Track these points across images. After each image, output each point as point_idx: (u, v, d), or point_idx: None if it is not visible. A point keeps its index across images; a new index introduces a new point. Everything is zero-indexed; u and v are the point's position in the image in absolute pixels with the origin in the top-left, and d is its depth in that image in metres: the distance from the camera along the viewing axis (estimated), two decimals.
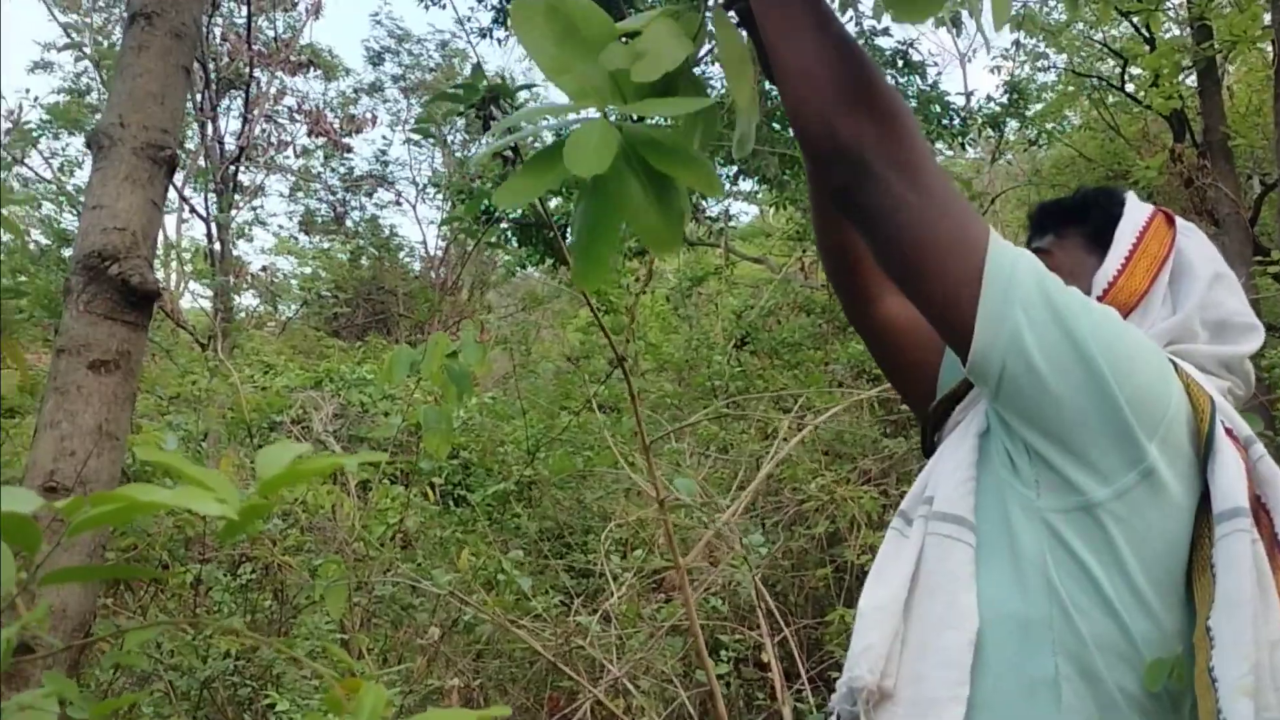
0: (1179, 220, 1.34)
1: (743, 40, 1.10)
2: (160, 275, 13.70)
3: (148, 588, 3.93)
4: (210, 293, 11.54)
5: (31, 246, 8.88)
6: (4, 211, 1.76)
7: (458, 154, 14.49)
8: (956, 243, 1.05)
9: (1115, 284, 1.25)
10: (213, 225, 9.89)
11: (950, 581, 1.08)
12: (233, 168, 10.62)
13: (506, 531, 5.28)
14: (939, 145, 8.26)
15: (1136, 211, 1.34)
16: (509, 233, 8.37)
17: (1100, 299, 1.24)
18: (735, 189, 9.22)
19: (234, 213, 12.21)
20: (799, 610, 4.70)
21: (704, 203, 8.67)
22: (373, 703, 0.83)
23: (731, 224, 10.09)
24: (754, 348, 7.14)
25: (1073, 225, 1.36)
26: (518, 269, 9.68)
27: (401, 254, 16.04)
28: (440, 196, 14.76)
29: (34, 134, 10.93)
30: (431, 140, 13.98)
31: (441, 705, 3.67)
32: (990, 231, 1.08)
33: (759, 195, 10.07)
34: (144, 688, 3.40)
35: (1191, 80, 9.47)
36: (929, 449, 1.37)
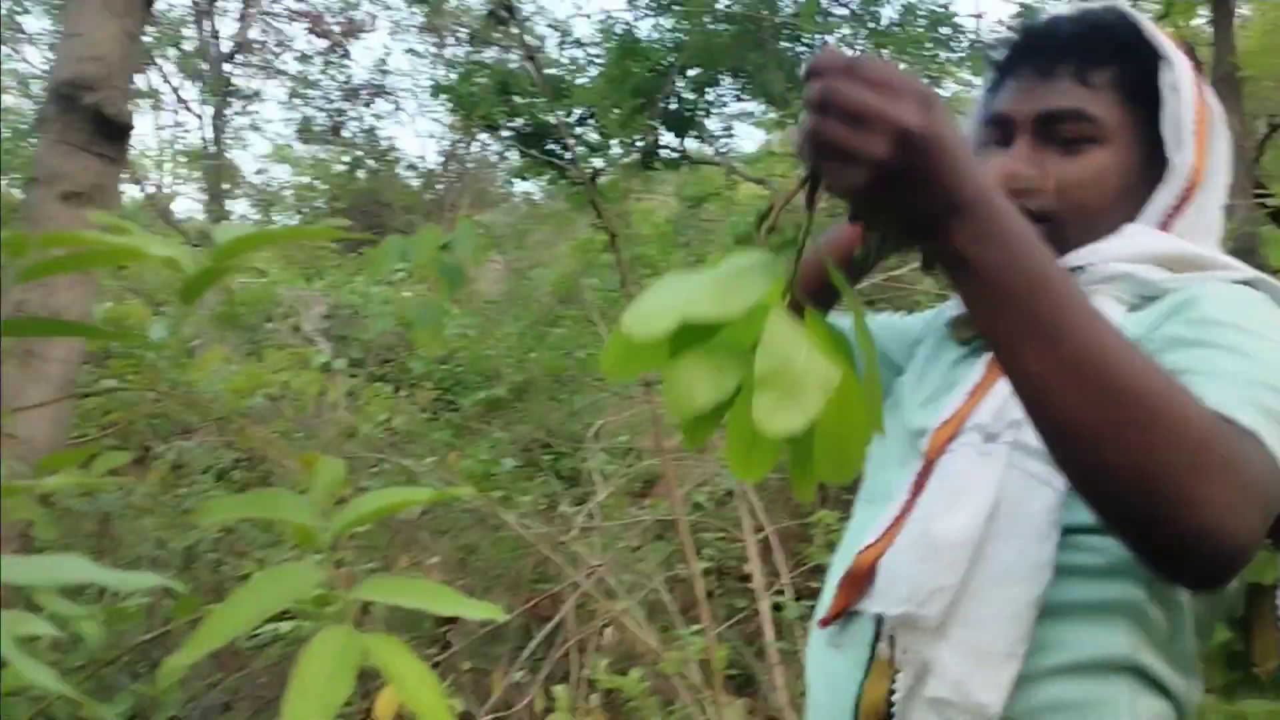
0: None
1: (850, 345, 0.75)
2: (154, 177, 13.59)
3: (129, 467, 3.91)
4: (204, 196, 11.42)
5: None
6: None
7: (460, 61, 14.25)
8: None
9: (1198, 173, 1.09)
10: (205, 120, 9.74)
11: (1027, 528, 0.97)
12: (227, 66, 10.44)
13: (499, 444, 5.25)
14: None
15: (1180, 60, 1.11)
16: (509, 143, 8.26)
17: (1184, 195, 1.08)
18: (739, 108, 9.10)
19: (229, 116, 12.05)
20: (783, 511, 4.68)
21: (707, 119, 8.56)
22: (330, 475, 0.79)
23: (736, 151, 9.98)
24: None
25: (1098, 69, 1.09)
26: (517, 180, 9.58)
27: (399, 166, 15.87)
28: (441, 106, 14.57)
29: None
30: (433, 49, 13.75)
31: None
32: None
33: (761, 117, 9.95)
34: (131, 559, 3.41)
35: (1204, 12, 9.30)
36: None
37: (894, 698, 0.99)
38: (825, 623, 1.09)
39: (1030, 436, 0.97)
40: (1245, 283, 1.02)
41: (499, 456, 4.16)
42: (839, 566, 1.10)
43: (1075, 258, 1.05)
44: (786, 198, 0.73)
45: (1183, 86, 1.08)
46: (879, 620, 1.02)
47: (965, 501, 0.99)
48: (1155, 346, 0.94)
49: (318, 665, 0.67)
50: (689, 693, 3.02)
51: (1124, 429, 0.75)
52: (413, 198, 14.67)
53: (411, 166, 16.09)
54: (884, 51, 7.81)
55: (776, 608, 3.42)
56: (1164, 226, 1.08)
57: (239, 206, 14.32)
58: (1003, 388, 1.03)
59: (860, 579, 1.05)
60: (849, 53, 0.74)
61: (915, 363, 1.26)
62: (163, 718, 2.32)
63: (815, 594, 1.14)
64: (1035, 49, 1.13)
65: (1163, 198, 1.08)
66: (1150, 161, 1.09)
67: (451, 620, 4.28)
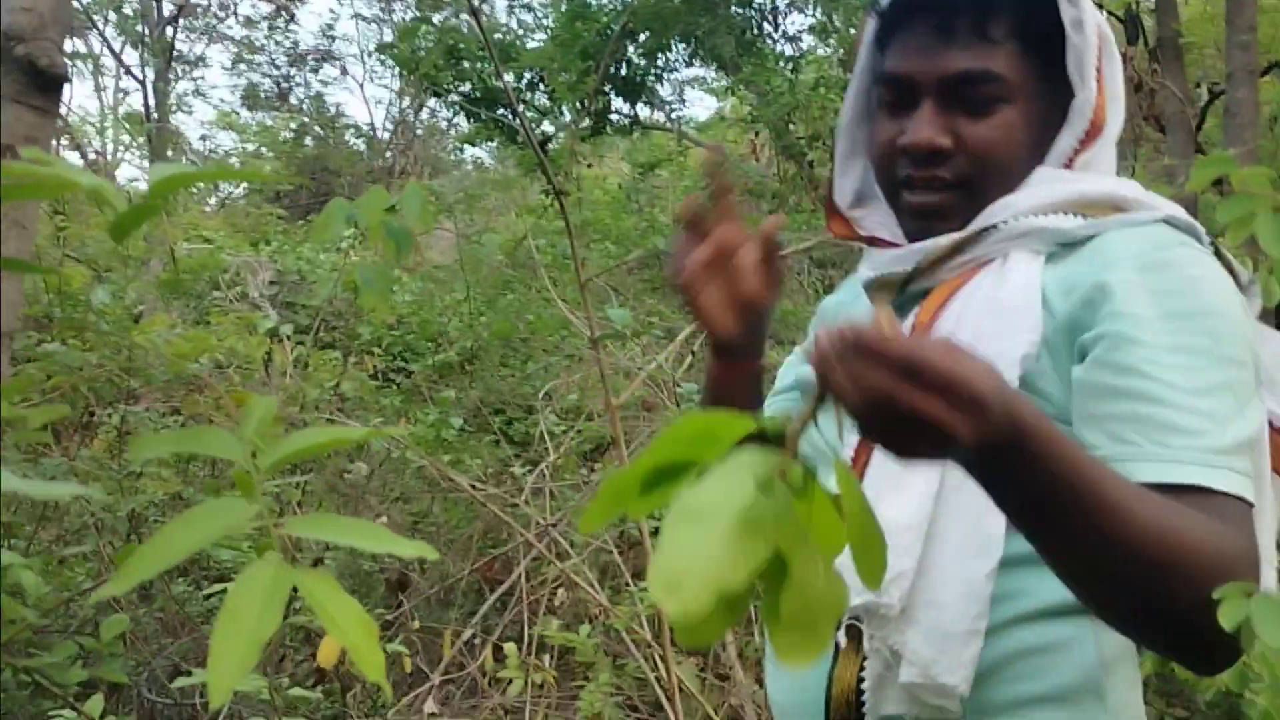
0: None
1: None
2: (96, 144, 13.32)
3: (73, 434, 3.87)
4: (147, 163, 11.22)
5: None
6: None
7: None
8: None
9: (1100, 110, 1.08)
10: (149, 89, 9.56)
11: (976, 502, 0.93)
12: (170, 30, 10.23)
13: (446, 404, 5.23)
14: None
15: None
16: (458, 108, 8.19)
17: (1089, 133, 1.07)
18: (690, 73, 9.08)
19: (172, 82, 11.83)
20: None
21: (658, 85, 8.54)
22: (262, 412, 0.79)
23: (689, 118, 9.96)
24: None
25: (997, 18, 1.06)
26: (467, 145, 9.52)
27: (348, 134, 15.68)
28: (388, 70, 14.40)
29: None
30: (381, 13, 13.57)
31: None
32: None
33: (713, 83, 9.94)
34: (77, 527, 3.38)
35: None
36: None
37: (864, 685, 1.00)
38: None
39: None
40: (1162, 221, 1.02)
41: (447, 416, 4.14)
42: None
43: (988, 215, 1.05)
44: (803, 419, 0.70)
45: (1086, 20, 1.06)
46: None
47: (911, 482, 0.99)
48: (1095, 354, 0.95)
49: (247, 599, 0.66)
50: (639, 649, 3.05)
51: (1148, 589, 0.83)
52: (361, 165, 14.50)
53: (358, 131, 15.91)
54: (833, 15, 7.82)
55: None
56: (1069, 165, 1.08)
57: None
58: None
59: None
60: (899, 332, 0.72)
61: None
62: (105, 666, 2.30)
63: None
64: (927, 2, 1.08)
65: (1067, 138, 1.08)
66: (1054, 102, 1.08)
67: (404, 585, 4.28)
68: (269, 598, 0.66)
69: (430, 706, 2.94)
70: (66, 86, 1.90)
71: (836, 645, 1.03)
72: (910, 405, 0.71)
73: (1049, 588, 0.96)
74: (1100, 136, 1.08)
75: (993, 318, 1.00)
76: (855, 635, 1.01)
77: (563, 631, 3.32)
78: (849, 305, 1.25)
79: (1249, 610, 0.80)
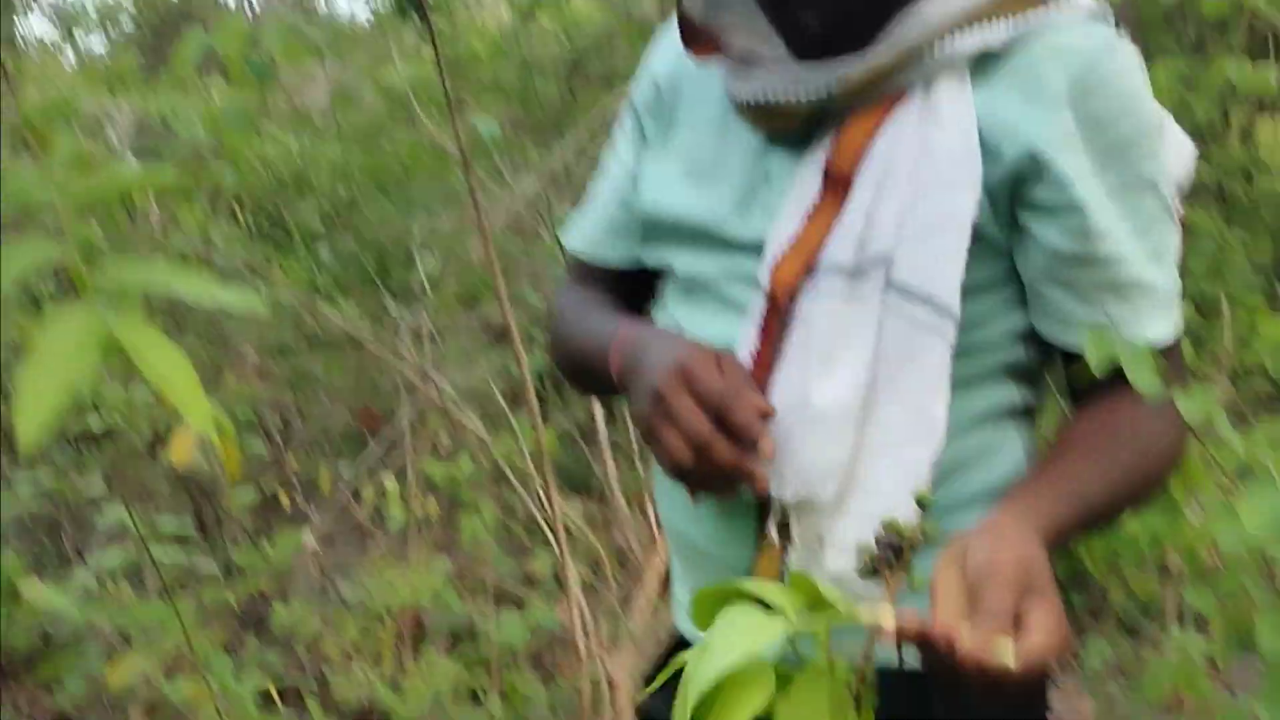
0: None
1: None
2: None
3: None
4: None
5: None
6: None
7: None
8: None
9: None
10: None
11: (919, 384, 0.91)
12: None
13: (313, 235, 5.04)
14: None
15: None
16: None
17: None
18: None
19: None
20: None
21: None
22: (69, 148, 0.74)
23: None
24: (587, 75, 6.91)
25: None
26: None
27: None
28: None
29: None
30: None
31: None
32: None
33: None
34: None
35: None
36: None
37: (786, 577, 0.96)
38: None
39: (908, 274, 0.91)
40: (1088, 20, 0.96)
41: (317, 255, 4.04)
42: None
43: (901, 37, 0.93)
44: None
45: None
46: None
47: (841, 361, 0.92)
48: (1052, 222, 0.95)
49: (59, 339, 0.62)
50: (521, 481, 3.05)
51: (1153, 494, 1.03)
52: (228, 15, 13.75)
53: None
54: None
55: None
56: None
57: (35, 24, 13.22)
58: (856, 209, 0.94)
59: None
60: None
61: (677, 125, 1.10)
62: None
63: None
64: None
65: None
66: None
67: (285, 437, 4.21)
68: (82, 340, 0.62)
69: (310, 543, 2.93)
70: None
71: (761, 537, 0.98)
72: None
73: (983, 399, 0.99)
74: None
75: (930, 168, 0.92)
76: (786, 531, 0.96)
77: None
78: (693, 82, 1.09)
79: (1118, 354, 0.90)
